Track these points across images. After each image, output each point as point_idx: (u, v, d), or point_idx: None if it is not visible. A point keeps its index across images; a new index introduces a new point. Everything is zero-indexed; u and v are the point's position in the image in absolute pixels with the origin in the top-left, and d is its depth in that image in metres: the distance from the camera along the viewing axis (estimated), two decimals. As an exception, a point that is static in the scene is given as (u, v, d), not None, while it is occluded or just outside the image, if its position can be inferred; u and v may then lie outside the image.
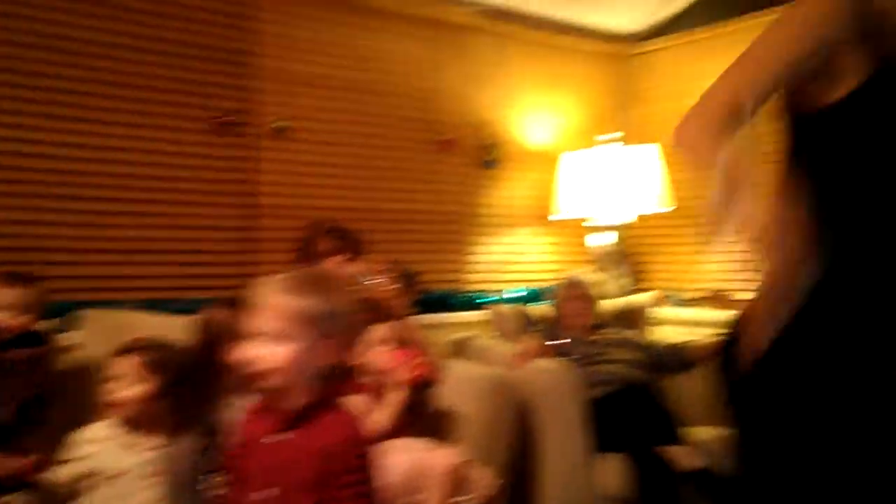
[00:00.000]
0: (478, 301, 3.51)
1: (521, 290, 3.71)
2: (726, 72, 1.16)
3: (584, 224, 3.72)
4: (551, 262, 3.91)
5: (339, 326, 1.43)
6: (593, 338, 3.10)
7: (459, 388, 2.38)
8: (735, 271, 3.61)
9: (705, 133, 1.11)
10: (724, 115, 1.12)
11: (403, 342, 2.28)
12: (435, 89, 3.56)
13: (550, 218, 3.75)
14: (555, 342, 3.00)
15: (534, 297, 3.67)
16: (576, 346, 3.01)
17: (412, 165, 3.49)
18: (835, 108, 1.16)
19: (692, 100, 3.84)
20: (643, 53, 4.15)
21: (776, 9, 3.23)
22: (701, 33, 3.84)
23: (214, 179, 3.04)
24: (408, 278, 2.65)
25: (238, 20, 3.11)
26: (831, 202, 1.18)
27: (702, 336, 3.19)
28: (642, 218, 3.73)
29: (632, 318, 3.40)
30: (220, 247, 3.04)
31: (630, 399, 2.74)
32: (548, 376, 2.60)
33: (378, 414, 2.06)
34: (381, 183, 3.40)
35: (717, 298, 3.66)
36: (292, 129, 3.18)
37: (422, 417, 2.20)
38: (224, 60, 3.06)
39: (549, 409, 2.50)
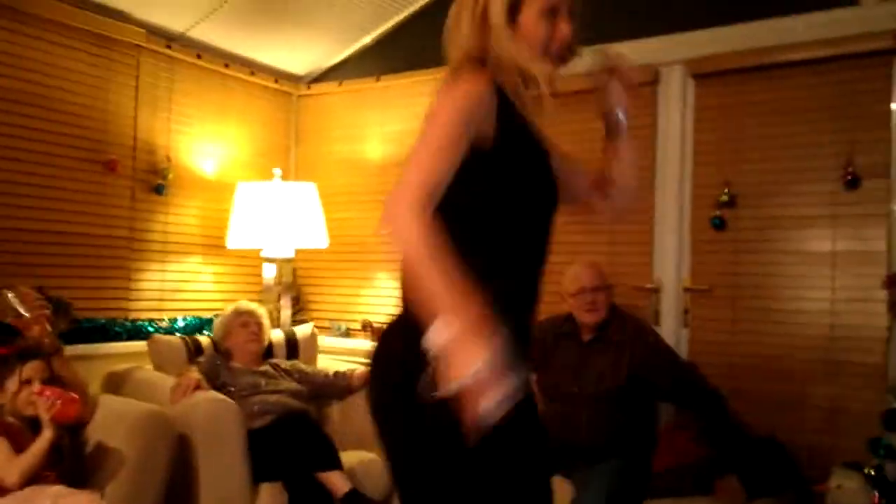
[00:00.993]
0: (143, 330, 3.38)
1: (192, 320, 3.65)
2: (408, 169, 1.31)
3: (260, 255, 3.79)
4: (224, 290, 3.91)
5: None
6: (260, 368, 3.18)
7: (113, 424, 2.30)
8: (385, 305, 3.98)
9: (407, 216, 1.24)
10: (421, 198, 1.26)
11: (53, 377, 2.16)
12: (102, 108, 3.39)
13: (227, 248, 3.76)
14: (218, 373, 3.02)
15: (203, 325, 3.63)
16: (241, 377, 3.06)
17: (74, 185, 3.28)
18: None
19: (348, 144, 4.23)
20: (309, 95, 4.37)
21: (426, 70, 3.69)
22: (361, 83, 4.16)
23: None
24: (58, 307, 2.50)
25: None
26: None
27: (358, 365, 3.46)
28: (307, 252, 3.91)
29: (297, 348, 3.52)
30: None
31: (290, 428, 2.86)
32: (206, 410, 2.60)
33: (9, 466, 1.92)
34: (36, 202, 3.14)
35: (369, 329, 3.97)
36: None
37: (71, 458, 2.10)
38: None
39: (206, 443, 2.51)
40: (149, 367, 3.13)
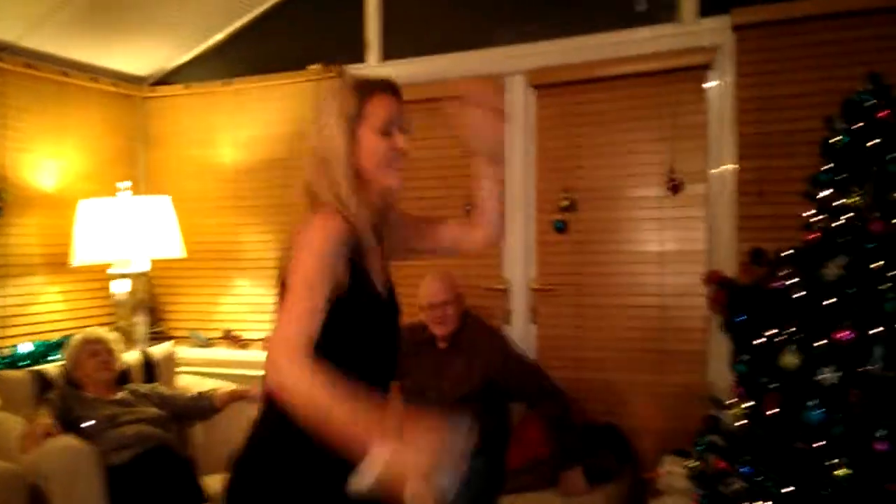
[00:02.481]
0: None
1: (39, 344, 3.50)
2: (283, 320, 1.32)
3: (107, 271, 3.67)
4: (73, 309, 3.78)
5: None
6: (116, 396, 3.11)
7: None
8: (246, 313, 3.99)
9: (294, 370, 1.25)
10: (300, 348, 1.27)
11: None
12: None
13: (72, 265, 3.62)
14: (71, 407, 2.94)
15: (49, 350, 3.50)
16: (97, 408, 2.99)
17: None
18: None
19: (201, 149, 4.15)
20: (154, 98, 4.23)
21: (276, 74, 3.69)
22: (209, 87, 4.08)
23: None
24: None
25: None
26: None
27: (220, 381, 3.46)
28: (159, 264, 3.83)
29: (155, 367, 3.47)
30: None
31: (150, 463, 2.84)
32: (59, 458, 2.53)
33: None
34: None
35: (229, 338, 3.97)
36: None
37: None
38: None
39: (63, 493, 2.45)
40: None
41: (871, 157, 2.13)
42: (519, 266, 3.48)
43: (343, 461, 1.22)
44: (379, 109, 1.50)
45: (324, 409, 1.23)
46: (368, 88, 1.52)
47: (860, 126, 2.18)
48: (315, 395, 1.24)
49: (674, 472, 2.69)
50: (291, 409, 1.27)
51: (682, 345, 3.17)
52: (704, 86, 3.13)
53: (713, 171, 3.12)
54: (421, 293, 3.07)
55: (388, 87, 1.54)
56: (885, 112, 2.11)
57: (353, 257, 1.45)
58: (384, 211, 1.59)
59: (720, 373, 2.92)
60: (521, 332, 3.47)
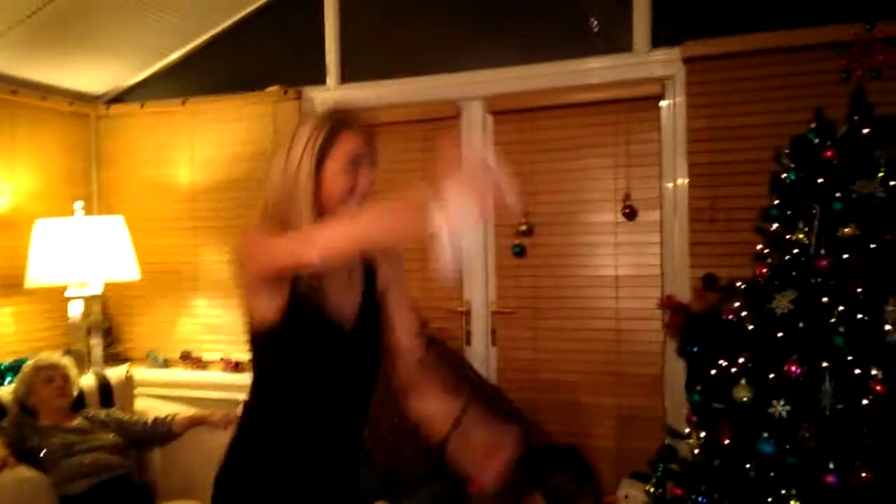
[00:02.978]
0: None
1: (-12, 368, 3.43)
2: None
3: (65, 294, 3.60)
4: (26, 332, 3.71)
5: None
6: (73, 423, 3.06)
7: None
8: (203, 333, 3.96)
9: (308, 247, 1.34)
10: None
11: None
12: None
13: (27, 285, 3.54)
14: (25, 435, 2.89)
15: (4, 373, 3.43)
16: (52, 436, 2.94)
17: None
18: None
19: (156, 168, 4.11)
20: (108, 116, 4.17)
21: (232, 94, 3.69)
22: (165, 105, 4.04)
23: None
24: None
25: None
26: None
27: (180, 406, 3.43)
28: (115, 285, 3.77)
29: (111, 393, 3.41)
30: None
31: (108, 493, 2.81)
32: (14, 492, 2.49)
33: None
34: None
35: (187, 359, 3.94)
36: None
37: None
38: None
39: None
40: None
41: (817, 195, 2.23)
42: (479, 289, 3.53)
43: (319, 471, 1.40)
44: (346, 146, 1.53)
45: (349, 229, 1.34)
46: (340, 124, 1.54)
47: (806, 164, 2.28)
48: (337, 233, 1.35)
49: (632, 496, 2.76)
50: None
51: (638, 368, 3.25)
52: (658, 115, 3.22)
53: (666, 197, 3.21)
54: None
55: (359, 124, 1.57)
56: (830, 152, 2.21)
57: (301, 280, 1.49)
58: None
59: (676, 395, 3.01)
60: (481, 354, 3.52)
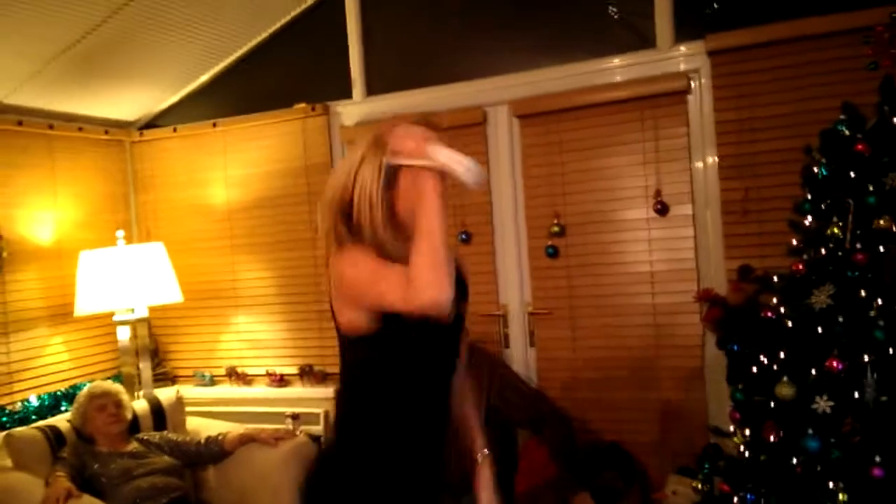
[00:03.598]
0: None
1: (46, 396, 3.55)
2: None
3: (113, 319, 3.71)
4: (78, 358, 3.83)
5: None
6: (128, 447, 3.17)
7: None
8: (247, 349, 4.05)
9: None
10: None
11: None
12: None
13: (76, 315, 3.66)
14: (86, 463, 3.00)
15: (59, 401, 3.55)
16: (111, 462, 3.04)
17: None
18: None
19: (191, 189, 4.19)
20: (143, 142, 4.27)
21: (260, 113, 3.77)
22: (197, 128, 4.13)
23: None
24: None
25: None
26: None
27: (230, 424, 3.52)
28: (160, 308, 3.88)
29: (164, 415, 3.51)
30: None
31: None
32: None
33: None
34: None
35: (233, 375, 4.03)
36: None
37: None
38: None
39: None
40: (8, 463, 3.04)
41: (850, 188, 2.23)
42: (514, 291, 3.57)
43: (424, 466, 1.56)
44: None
45: (434, 249, 1.46)
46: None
47: (837, 157, 2.27)
48: (429, 261, 1.44)
49: (679, 493, 2.78)
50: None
51: (679, 361, 3.26)
52: (685, 109, 3.22)
53: (698, 191, 3.21)
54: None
55: (428, 126, 1.62)
56: (861, 145, 2.20)
57: None
58: None
59: (718, 386, 3.02)
60: (520, 356, 3.55)
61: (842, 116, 2.32)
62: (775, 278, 2.41)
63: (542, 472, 3.09)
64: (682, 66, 3.21)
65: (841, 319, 2.12)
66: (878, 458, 1.96)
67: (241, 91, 4.10)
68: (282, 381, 3.92)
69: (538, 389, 3.35)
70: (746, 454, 2.27)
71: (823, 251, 2.25)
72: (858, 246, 2.15)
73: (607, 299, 3.39)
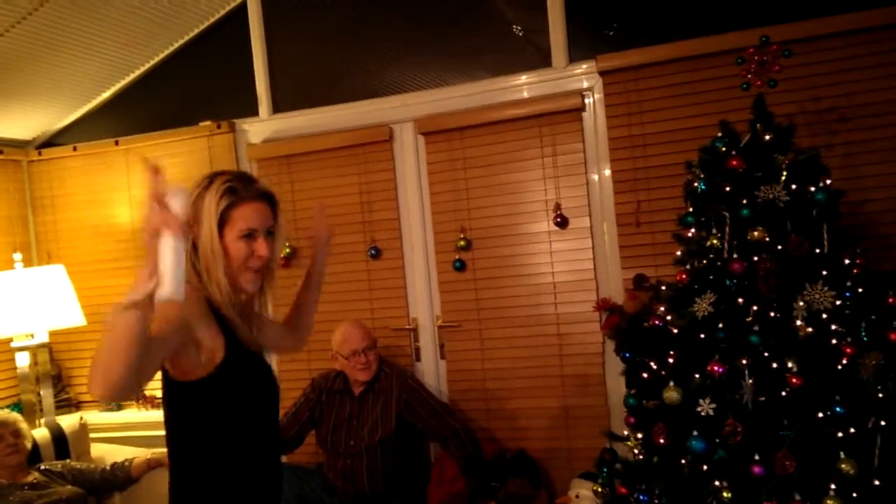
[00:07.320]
0: None
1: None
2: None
3: (11, 346, 3.59)
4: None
5: None
6: (30, 478, 3.07)
7: None
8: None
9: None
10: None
11: None
12: None
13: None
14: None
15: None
16: (9, 495, 2.95)
17: None
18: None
19: (94, 209, 4.11)
20: (41, 161, 4.16)
21: (164, 131, 3.71)
22: (98, 146, 4.05)
23: None
24: None
25: None
26: None
27: (137, 449, 3.46)
28: (62, 332, 3.77)
29: (66, 443, 3.42)
30: None
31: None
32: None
33: None
34: None
35: (140, 399, 3.95)
36: None
37: None
38: None
39: None
40: None
41: (727, 201, 2.38)
42: (424, 305, 3.63)
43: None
44: (243, 217, 1.64)
45: (106, 351, 1.30)
46: (238, 197, 1.64)
47: (715, 172, 2.43)
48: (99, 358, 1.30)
49: (582, 496, 2.89)
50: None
51: (581, 369, 3.38)
52: (580, 126, 3.35)
53: (594, 205, 3.35)
54: (341, 340, 3.21)
55: (258, 196, 1.67)
56: (735, 161, 2.36)
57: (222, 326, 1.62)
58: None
59: (619, 392, 3.15)
60: (431, 368, 3.62)
61: (719, 133, 2.48)
62: (663, 287, 2.55)
63: (453, 486, 3.16)
64: (577, 85, 3.35)
65: (721, 326, 2.26)
66: (757, 457, 2.10)
67: (144, 108, 4.05)
68: (192, 402, 3.86)
69: (444, 403, 3.42)
70: (640, 457, 2.39)
71: (705, 261, 2.40)
72: (735, 256, 2.30)
73: (513, 310, 3.49)
